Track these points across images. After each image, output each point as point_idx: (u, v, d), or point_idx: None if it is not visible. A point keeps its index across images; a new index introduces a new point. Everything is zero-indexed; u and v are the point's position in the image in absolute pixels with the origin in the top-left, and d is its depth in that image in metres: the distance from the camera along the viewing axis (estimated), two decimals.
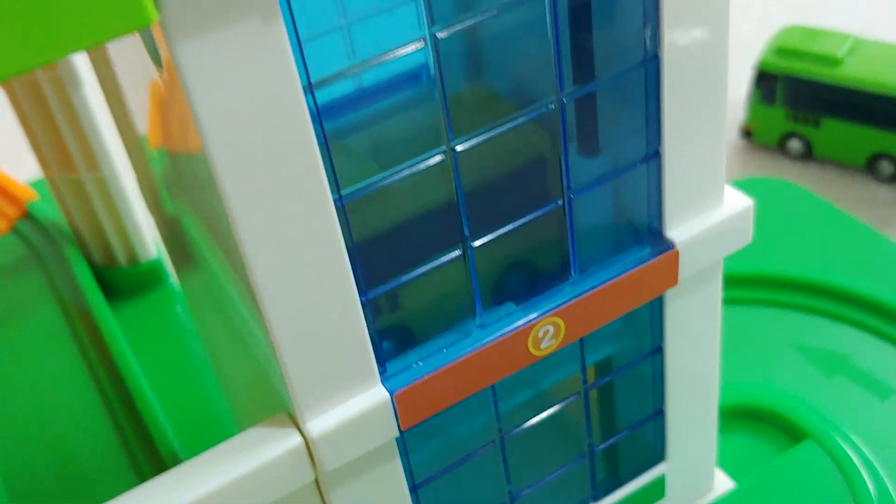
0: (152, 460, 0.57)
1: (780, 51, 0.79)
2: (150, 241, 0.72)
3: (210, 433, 0.62)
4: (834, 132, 0.79)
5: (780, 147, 0.83)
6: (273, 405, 0.39)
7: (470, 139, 0.33)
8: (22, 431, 0.60)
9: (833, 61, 0.77)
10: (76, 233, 0.71)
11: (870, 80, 0.76)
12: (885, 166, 0.79)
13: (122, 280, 0.71)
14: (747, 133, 0.85)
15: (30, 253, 0.72)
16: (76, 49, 0.24)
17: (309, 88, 0.28)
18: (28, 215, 0.75)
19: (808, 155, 0.83)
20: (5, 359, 0.65)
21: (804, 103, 0.80)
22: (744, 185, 0.71)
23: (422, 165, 0.32)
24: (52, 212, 0.75)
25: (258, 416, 0.48)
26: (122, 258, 0.71)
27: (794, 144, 0.82)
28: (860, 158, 0.80)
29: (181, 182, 0.43)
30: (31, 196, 0.77)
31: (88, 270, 0.69)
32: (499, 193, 0.35)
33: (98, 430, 0.59)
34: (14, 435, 0.60)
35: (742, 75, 0.84)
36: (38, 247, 0.72)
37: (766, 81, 0.80)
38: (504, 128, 0.33)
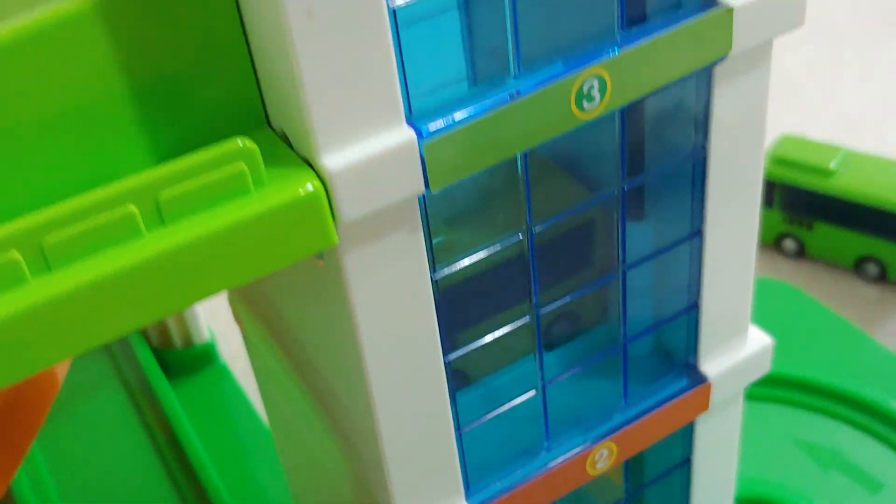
0: None
1: (778, 160, 0.87)
2: (204, 325, 0.78)
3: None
4: (825, 235, 0.87)
5: (776, 246, 0.92)
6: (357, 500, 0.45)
7: (552, 303, 0.40)
8: None
9: (826, 173, 0.85)
10: None
11: (858, 191, 0.84)
12: (871, 268, 0.87)
13: (177, 361, 0.77)
14: None
15: None
16: (265, 272, 0.31)
17: (433, 278, 0.35)
18: None
19: (801, 254, 0.91)
20: (75, 437, 0.71)
21: (799, 208, 0.88)
22: None
23: (508, 328, 0.39)
24: None
25: (329, 499, 0.54)
26: (178, 341, 0.77)
27: (789, 244, 0.91)
28: (848, 260, 0.88)
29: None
30: None
31: (150, 353, 0.75)
32: (569, 351, 0.42)
33: None
34: None
35: None
36: None
37: (765, 187, 0.88)
38: (580, 292, 0.40)
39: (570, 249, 0.41)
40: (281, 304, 0.45)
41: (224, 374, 0.78)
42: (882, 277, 0.87)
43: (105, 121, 0.30)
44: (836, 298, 0.85)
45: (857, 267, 0.88)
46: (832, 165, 0.85)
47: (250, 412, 0.76)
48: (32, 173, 0.30)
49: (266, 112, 0.33)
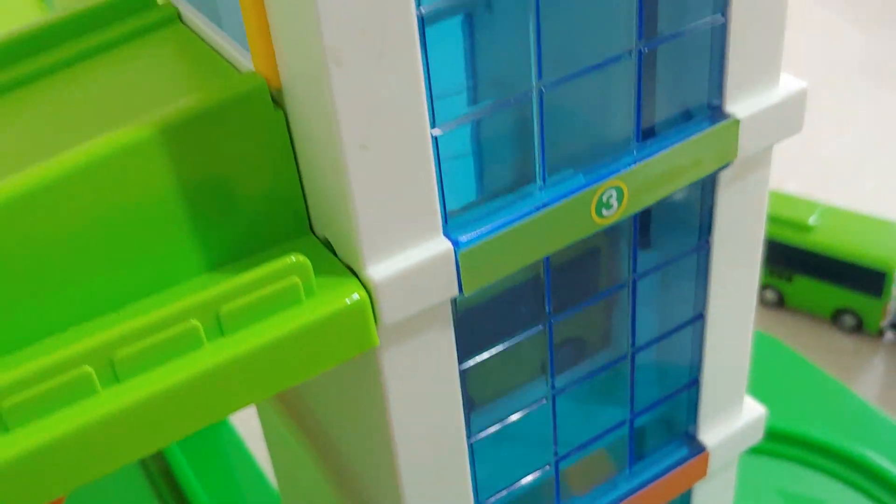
0: None
1: None
2: None
3: None
4: (804, 287, 0.91)
5: (757, 296, 0.95)
6: None
7: (568, 387, 0.42)
8: None
9: (805, 228, 0.89)
10: None
11: (835, 246, 0.88)
12: (848, 319, 0.91)
13: None
14: None
15: None
16: (312, 375, 0.33)
17: (460, 372, 0.38)
18: None
19: (780, 304, 0.94)
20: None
21: (779, 261, 0.91)
22: None
23: (525, 404, 0.42)
24: None
25: None
26: None
27: (769, 295, 0.94)
28: (826, 311, 0.92)
29: None
30: None
31: None
32: (583, 421, 0.45)
33: None
34: None
35: None
36: None
37: None
38: (596, 372, 0.43)
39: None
40: (301, 384, 0.47)
41: (221, 424, 0.80)
42: (858, 329, 0.91)
43: (163, 232, 0.33)
44: (813, 348, 0.89)
45: (835, 318, 0.92)
46: (811, 221, 0.89)
47: (247, 458, 0.78)
48: (98, 282, 0.32)
49: (309, 219, 0.35)
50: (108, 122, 0.33)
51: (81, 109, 0.36)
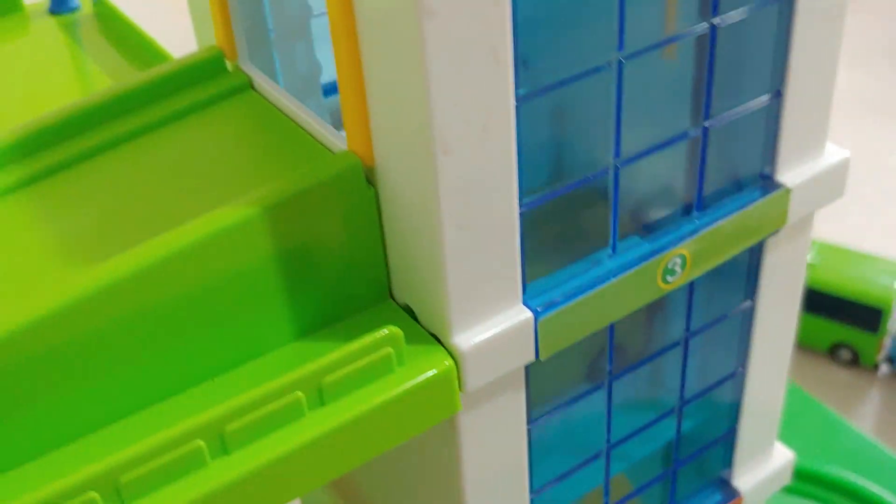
0: None
1: None
2: None
3: None
4: (802, 322, 0.93)
5: None
6: None
7: (625, 439, 0.44)
8: None
9: None
10: None
11: (833, 283, 0.91)
12: (844, 353, 0.93)
13: None
14: None
15: None
16: (397, 443, 0.34)
17: (528, 429, 0.39)
18: None
19: None
20: None
21: None
22: None
23: (583, 464, 0.43)
24: None
25: None
26: None
27: None
28: (823, 345, 0.94)
29: None
30: None
31: None
32: (629, 470, 0.46)
33: None
34: None
35: None
36: None
37: None
38: (644, 426, 0.45)
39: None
40: None
41: None
42: (855, 363, 0.94)
43: (256, 303, 0.34)
44: (811, 381, 0.91)
45: (832, 352, 0.95)
46: (809, 259, 0.91)
47: None
48: (198, 352, 0.33)
49: (390, 286, 0.36)
50: (202, 196, 0.34)
51: (165, 182, 0.37)
